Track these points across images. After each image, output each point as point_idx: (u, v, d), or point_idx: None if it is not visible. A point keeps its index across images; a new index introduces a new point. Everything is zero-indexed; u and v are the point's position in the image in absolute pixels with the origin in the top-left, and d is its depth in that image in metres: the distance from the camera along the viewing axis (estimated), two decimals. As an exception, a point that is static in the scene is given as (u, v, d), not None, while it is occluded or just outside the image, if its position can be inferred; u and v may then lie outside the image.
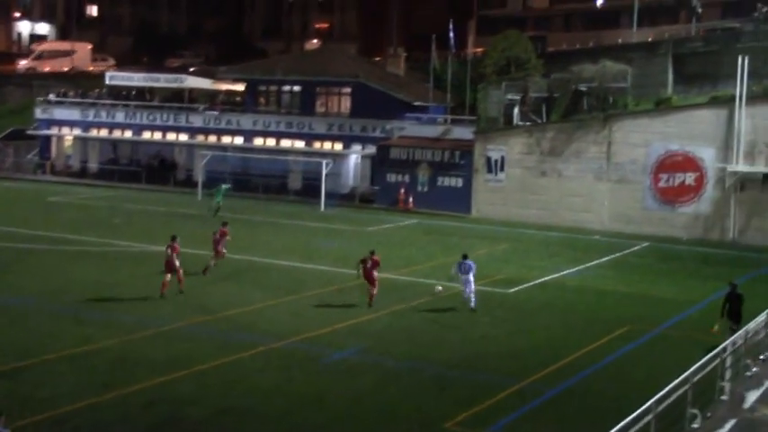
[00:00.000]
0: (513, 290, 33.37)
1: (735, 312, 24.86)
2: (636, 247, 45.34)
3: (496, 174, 54.27)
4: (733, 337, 21.30)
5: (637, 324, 28.73)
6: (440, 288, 31.45)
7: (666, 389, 16.93)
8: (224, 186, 50.66)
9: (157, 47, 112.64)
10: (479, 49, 75.02)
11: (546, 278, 36.00)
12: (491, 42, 66.11)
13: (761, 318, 23.69)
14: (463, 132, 56.84)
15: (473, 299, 29.43)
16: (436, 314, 29.10)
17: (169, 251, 29.26)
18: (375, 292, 29.48)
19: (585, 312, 30.34)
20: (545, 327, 28.19)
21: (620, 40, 70.69)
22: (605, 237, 48.34)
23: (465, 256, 29.82)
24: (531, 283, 34.76)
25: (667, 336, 27.65)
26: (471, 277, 29.33)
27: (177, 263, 29.33)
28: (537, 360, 24.14)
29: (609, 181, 51.63)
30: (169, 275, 29.25)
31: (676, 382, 17.41)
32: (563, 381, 22.50)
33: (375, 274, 29.60)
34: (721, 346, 20.06)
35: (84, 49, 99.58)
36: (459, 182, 55.30)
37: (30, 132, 71.91)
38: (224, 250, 34.00)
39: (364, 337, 25.79)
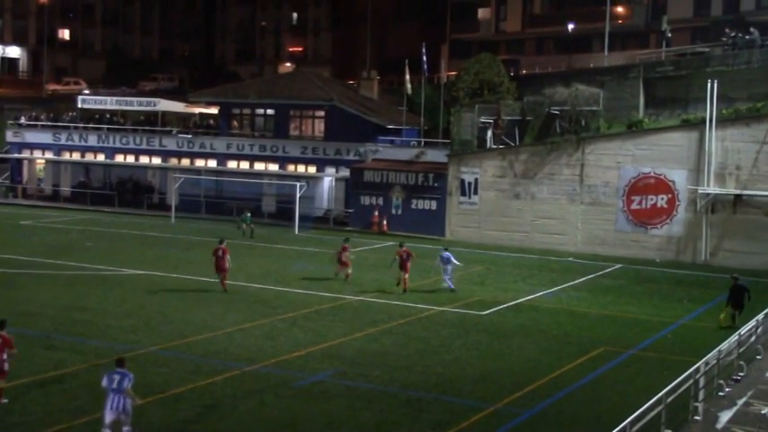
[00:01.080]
0: (486, 312, 33.37)
1: (737, 301, 31.48)
2: (609, 269, 45.53)
3: (470, 196, 54.41)
4: (707, 358, 21.38)
5: (611, 345, 28.81)
6: None
7: (641, 410, 16.97)
8: (248, 214, 51.40)
9: (130, 70, 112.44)
10: (452, 73, 75.29)
11: (520, 300, 36.05)
12: (464, 66, 66.43)
13: (733, 338, 23.84)
14: (437, 155, 56.98)
15: (451, 283, 36.33)
16: (410, 337, 29.03)
17: (220, 253, 32.09)
18: (407, 278, 36.11)
19: (560, 334, 30.38)
20: (519, 349, 28.19)
21: (591, 64, 71.17)
22: (579, 259, 48.53)
23: (446, 249, 35.29)
24: (506, 305, 34.79)
25: (641, 357, 27.72)
26: (450, 267, 35.37)
27: (227, 264, 32.66)
28: (512, 382, 24.11)
29: (582, 203, 51.88)
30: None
31: (650, 402, 17.44)
32: (538, 403, 22.48)
33: (408, 264, 36.18)
34: (694, 367, 20.15)
35: None
36: (434, 204, 55.39)
37: (0, 156, 71.44)
38: (347, 262, 38.84)
39: (338, 361, 25.68)
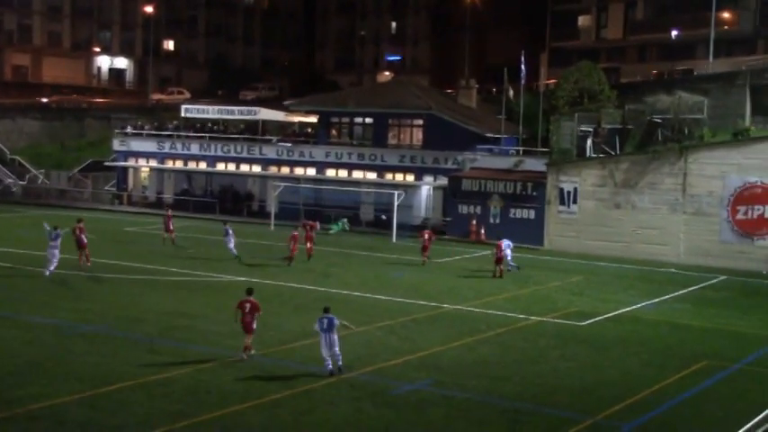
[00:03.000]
0: (585, 323, 32.91)
1: None
2: (713, 281, 44.49)
3: (569, 206, 53.79)
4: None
5: (715, 359, 28.10)
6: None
7: (747, 426, 16.51)
8: (344, 220, 52.01)
9: (232, 80, 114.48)
10: (552, 81, 74.70)
11: (620, 311, 35.45)
12: (563, 74, 65.79)
13: None
14: (535, 164, 56.52)
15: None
16: (507, 347, 28.81)
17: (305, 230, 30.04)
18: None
19: (661, 346, 29.76)
20: (619, 361, 27.72)
21: (695, 72, 69.79)
22: (681, 270, 47.50)
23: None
24: (605, 317, 34.25)
25: (747, 372, 26.98)
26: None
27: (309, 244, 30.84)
28: (611, 395, 23.71)
29: (685, 213, 50.82)
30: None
31: (758, 419, 16.96)
32: (639, 416, 22.05)
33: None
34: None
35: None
36: (532, 213, 54.93)
37: (107, 164, 73.40)
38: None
39: (435, 370, 25.62)
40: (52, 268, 37.68)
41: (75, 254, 40.62)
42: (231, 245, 44.54)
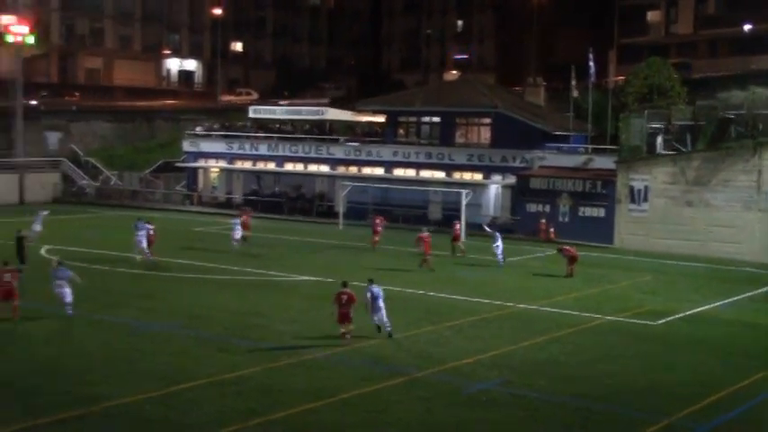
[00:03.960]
0: (658, 322, 32.42)
1: None
2: (789, 280, 43.51)
3: (640, 204, 53.08)
4: None
5: (793, 360, 27.50)
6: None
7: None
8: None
9: (299, 80, 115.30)
10: (621, 78, 73.86)
11: (694, 311, 34.86)
12: (633, 70, 64.96)
13: None
14: (605, 162, 55.88)
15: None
16: (578, 347, 28.52)
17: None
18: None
19: (736, 347, 29.20)
20: (693, 361, 27.25)
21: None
22: (757, 268, 46.53)
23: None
24: (678, 316, 33.71)
25: (827, 373, 26.34)
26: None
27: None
28: (684, 396, 23.33)
29: (760, 211, 49.81)
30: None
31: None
32: (712, 419, 21.66)
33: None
34: None
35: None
36: (602, 212, 54.32)
37: (178, 165, 74.35)
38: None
39: (505, 369, 25.47)
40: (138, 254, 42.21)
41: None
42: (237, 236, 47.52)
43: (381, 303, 28.14)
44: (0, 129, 78.60)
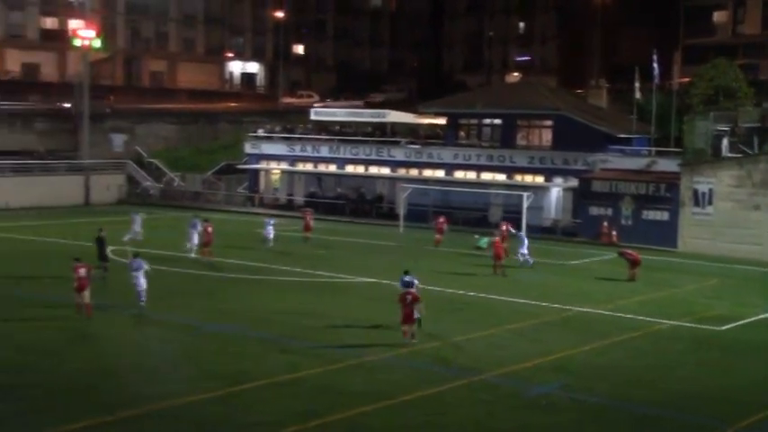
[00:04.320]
0: (724, 327, 31.89)
1: None
2: None
3: (704, 207, 52.27)
4: None
5: None
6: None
7: None
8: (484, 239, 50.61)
9: (360, 82, 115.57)
10: (685, 79, 72.85)
11: (760, 316, 34.21)
12: (698, 72, 64.04)
13: None
14: (669, 165, 55.14)
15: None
16: (640, 351, 28.17)
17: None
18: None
19: (805, 354, 28.62)
20: (759, 368, 26.77)
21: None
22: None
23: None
24: (745, 321, 33.11)
25: None
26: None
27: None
28: (749, 403, 22.91)
29: (828, 215, 48.76)
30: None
31: None
32: (780, 425, 21.26)
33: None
34: None
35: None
36: (665, 215, 53.58)
37: (240, 166, 74.95)
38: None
39: (566, 373, 25.25)
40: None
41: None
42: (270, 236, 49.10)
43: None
44: (67, 131, 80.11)
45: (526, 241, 45.04)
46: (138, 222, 49.15)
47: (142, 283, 31.57)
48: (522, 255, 44.12)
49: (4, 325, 29.47)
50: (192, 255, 43.83)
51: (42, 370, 24.22)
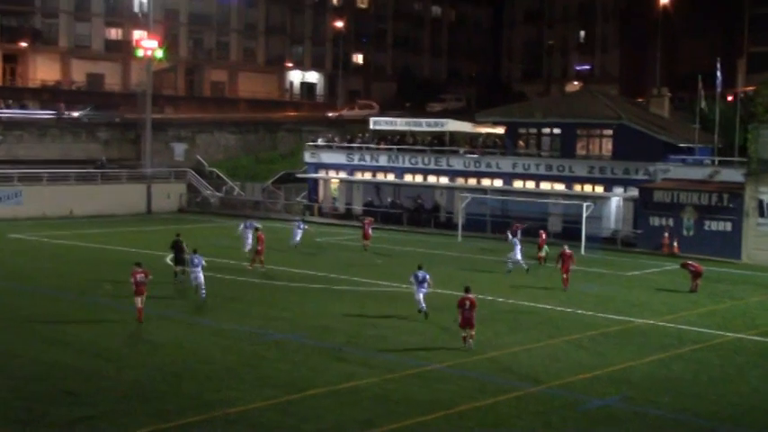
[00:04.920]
0: (788, 341, 31.34)
1: None
2: None
3: (769, 217, 51.43)
4: None
5: None
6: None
7: None
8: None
9: (419, 91, 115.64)
10: (750, 88, 71.70)
11: (826, 330, 33.56)
12: (763, 80, 62.85)
13: None
14: (732, 175, 54.36)
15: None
16: (702, 364, 27.78)
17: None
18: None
19: None
20: (826, 382, 26.24)
21: None
22: None
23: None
24: (809, 335, 32.51)
25: None
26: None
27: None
28: (817, 418, 22.49)
29: None
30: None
31: None
32: None
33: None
34: None
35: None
36: (728, 226, 52.78)
37: (299, 176, 75.42)
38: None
39: (625, 385, 25.00)
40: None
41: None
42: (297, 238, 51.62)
43: (425, 287, 32.72)
44: (130, 140, 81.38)
45: (518, 246, 45.38)
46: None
47: (201, 277, 35.06)
48: (511, 259, 44.87)
49: (67, 330, 30.02)
50: (248, 261, 44.65)
51: (106, 376, 24.62)
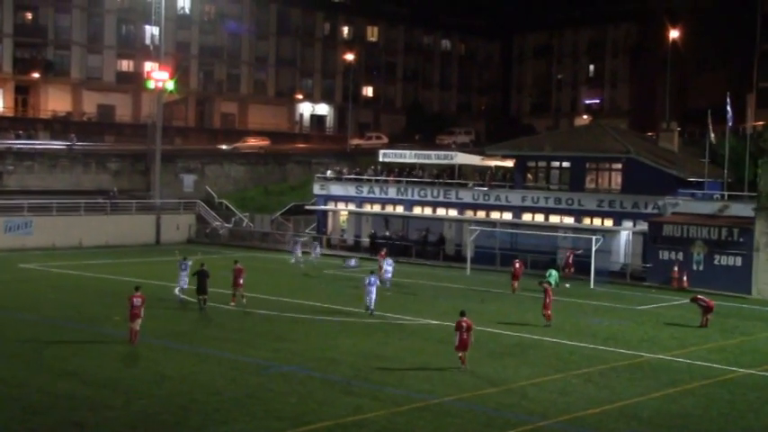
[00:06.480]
0: (799, 377, 31.05)
1: None
2: None
3: (779, 253, 51.16)
4: None
5: None
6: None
7: None
8: (554, 272, 50.11)
9: (428, 124, 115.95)
10: (760, 123, 71.77)
11: (838, 366, 33.27)
12: (772, 115, 62.98)
13: None
14: (742, 209, 54.19)
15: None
16: (712, 400, 27.53)
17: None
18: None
19: None
20: (839, 419, 25.95)
21: None
22: None
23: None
24: (821, 371, 32.22)
25: None
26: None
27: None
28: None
29: None
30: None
31: None
32: None
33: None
34: None
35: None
36: (738, 260, 52.56)
37: (308, 207, 75.46)
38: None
39: (634, 421, 24.77)
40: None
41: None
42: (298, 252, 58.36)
43: (373, 289, 40.01)
44: (139, 171, 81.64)
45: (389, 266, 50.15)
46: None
47: (185, 282, 41.35)
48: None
49: (74, 360, 29.92)
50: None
51: (113, 407, 24.48)
